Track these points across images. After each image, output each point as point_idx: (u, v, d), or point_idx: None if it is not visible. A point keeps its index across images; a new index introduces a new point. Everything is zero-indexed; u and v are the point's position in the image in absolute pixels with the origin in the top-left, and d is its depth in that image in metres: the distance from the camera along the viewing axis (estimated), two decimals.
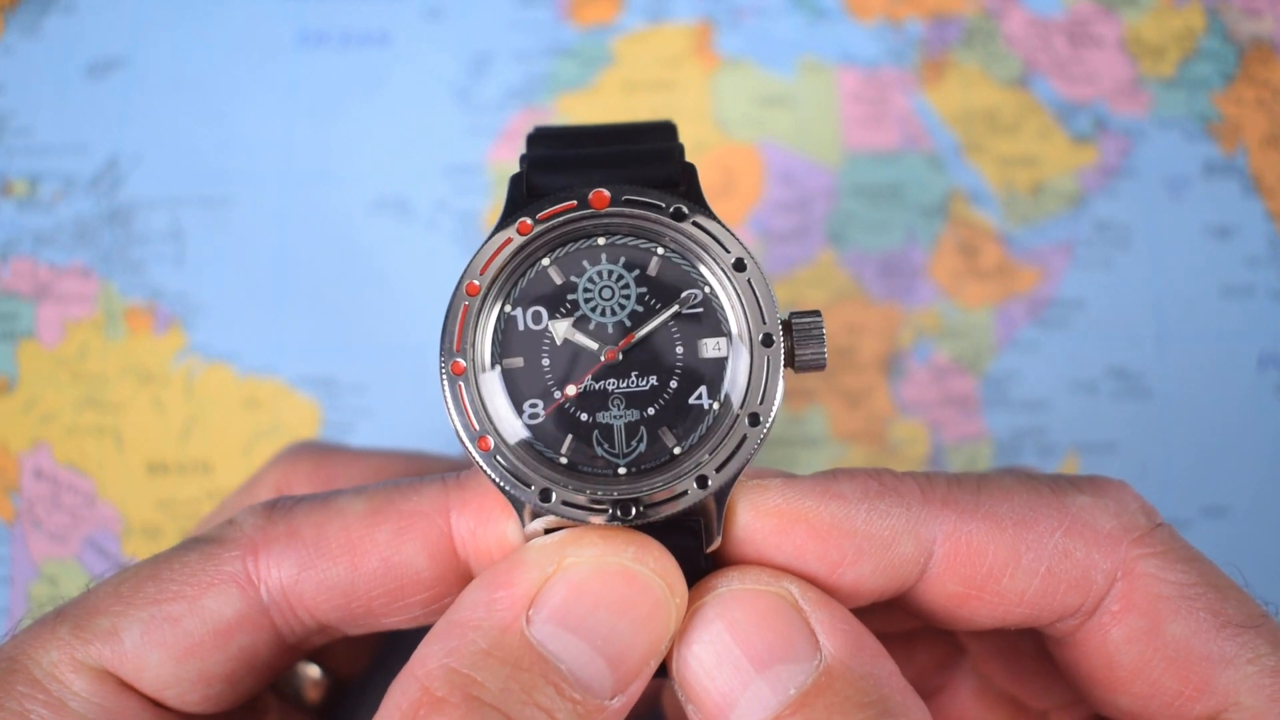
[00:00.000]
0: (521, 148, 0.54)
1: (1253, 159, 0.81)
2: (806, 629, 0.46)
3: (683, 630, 0.47)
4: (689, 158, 0.53)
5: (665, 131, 0.54)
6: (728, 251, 0.50)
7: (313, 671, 0.63)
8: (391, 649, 0.69)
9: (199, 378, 0.78)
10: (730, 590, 0.47)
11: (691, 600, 0.48)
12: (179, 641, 0.50)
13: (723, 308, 0.50)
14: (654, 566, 0.47)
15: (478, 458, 0.48)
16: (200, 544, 0.52)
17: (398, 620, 0.53)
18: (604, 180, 0.50)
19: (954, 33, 0.83)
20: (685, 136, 0.56)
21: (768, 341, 0.49)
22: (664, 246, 0.50)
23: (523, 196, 0.51)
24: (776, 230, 0.81)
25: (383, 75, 0.83)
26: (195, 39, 0.83)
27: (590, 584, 0.46)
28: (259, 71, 0.82)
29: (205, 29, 0.83)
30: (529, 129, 0.81)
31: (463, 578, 0.52)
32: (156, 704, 0.51)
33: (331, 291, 0.80)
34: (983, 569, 0.49)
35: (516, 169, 0.52)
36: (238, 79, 0.82)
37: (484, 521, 0.51)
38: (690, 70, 0.83)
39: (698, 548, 0.49)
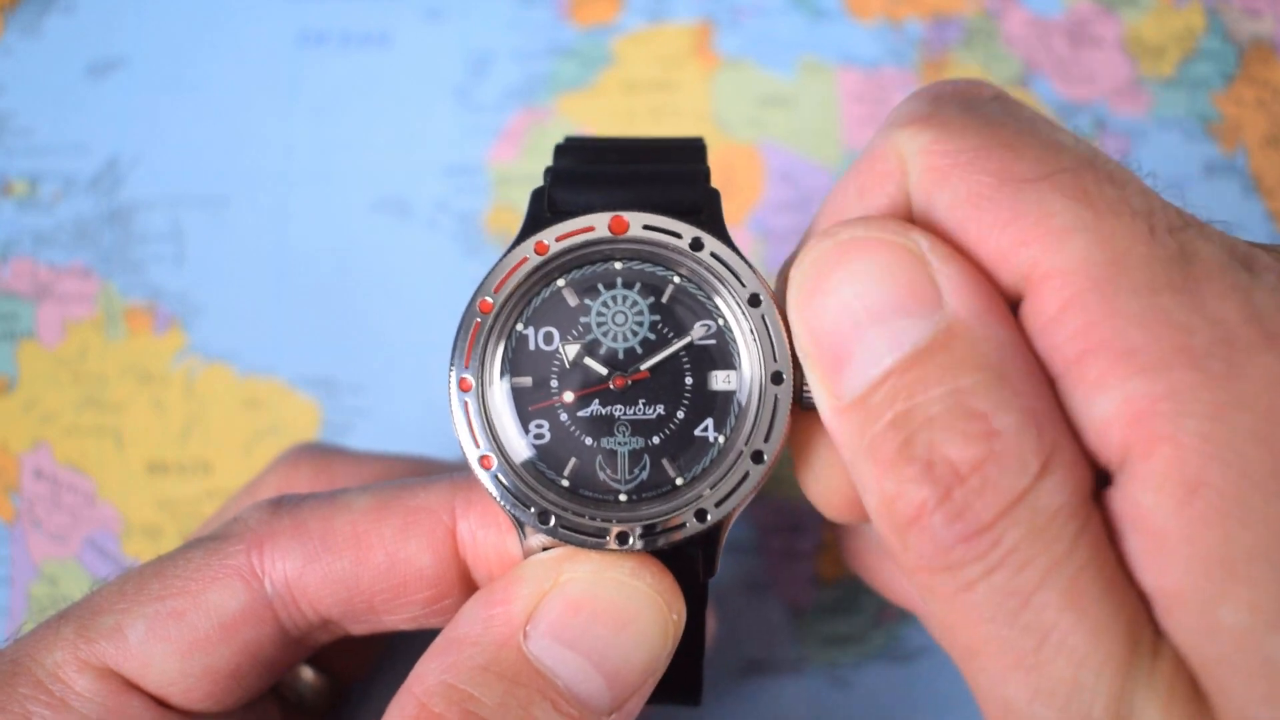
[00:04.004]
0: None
1: (1253, 159, 0.81)
2: (930, 283, 0.42)
3: (802, 279, 0.44)
4: None
5: (693, 152, 0.54)
6: (744, 285, 0.49)
7: (315, 676, 0.63)
8: (394, 654, 0.69)
9: (199, 378, 0.78)
10: (853, 238, 0.43)
11: (813, 245, 0.44)
12: (184, 636, 0.50)
13: (735, 341, 0.50)
14: (651, 582, 0.47)
15: (481, 475, 0.49)
16: (205, 541, 0.52)
17: (398, 619, 0.53)
18: (626, 200, 0.50)
19: (954, 33, 0.83)
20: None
21: (777, 379, 0.48)
22: (680, 275, 0.50)
23: (543, 212, 0.51)
24: (776, 230, 0.81)
25: (383, 75, 0.82)
26: (195, 39, 0.83)
27: (587, 599, 0.46)
28: (259, 71, 0.82)
29: (205, 29, 0.83)
30: (529, 129, 0.81)
31: (463, 579, 0.53)
32: (161, 703, 0.51)
33: (331, 291, 0.80)
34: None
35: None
36: (238, 79, 0.82)
37: (486, 525, 0.52)
38: (690, 70, 0.83)
39: (694, 576, 0.49)
